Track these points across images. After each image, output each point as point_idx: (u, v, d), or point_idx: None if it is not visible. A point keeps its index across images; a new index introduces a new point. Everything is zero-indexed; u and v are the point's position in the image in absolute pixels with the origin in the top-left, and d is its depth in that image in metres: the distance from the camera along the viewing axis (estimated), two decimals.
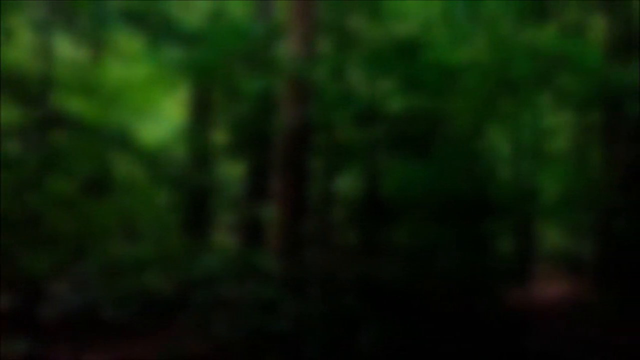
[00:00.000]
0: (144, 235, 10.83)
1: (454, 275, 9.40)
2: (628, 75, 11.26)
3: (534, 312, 11.52)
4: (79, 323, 8.79)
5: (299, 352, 7.31)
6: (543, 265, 18.06)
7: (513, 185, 13.07)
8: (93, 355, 7.56)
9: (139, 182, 10.96)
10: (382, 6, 10.98)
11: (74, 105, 10.90)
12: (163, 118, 13.49)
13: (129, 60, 12.08)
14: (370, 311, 8.02)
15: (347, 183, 11.27)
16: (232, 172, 13.31)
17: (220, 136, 12.70)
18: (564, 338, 9.07)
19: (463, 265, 9.53)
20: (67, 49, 11.35)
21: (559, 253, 18.11)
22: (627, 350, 8.24)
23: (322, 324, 7.65)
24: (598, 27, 13.79)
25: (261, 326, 7.39)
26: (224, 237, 14.08)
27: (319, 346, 7.35)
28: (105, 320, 8.86)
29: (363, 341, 7.48)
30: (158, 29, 10.11)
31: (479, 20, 9.81)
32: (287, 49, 9.25)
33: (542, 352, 8.12)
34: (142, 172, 10.96)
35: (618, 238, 12.23)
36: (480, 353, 7.86)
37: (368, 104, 9.93)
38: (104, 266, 9.43)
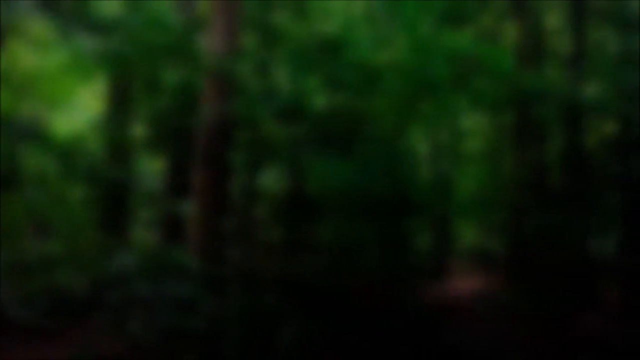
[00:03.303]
0: (55, 231, 10.40)
1: (374, 271, 9.60)
2: (537, 79, 11.88)
3: (450, 306, 11.95)
4: None
5: (217, 351, 7.25)
6: (459, 261, 18.75)
7: (431, 184, 13.48)
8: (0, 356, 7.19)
9: (51, 176, 10.52)
10: (306, 4, 11.04)
11: None
12: (78, 109, 12.97)
13: (40, 48, 11.52)
14: (291, 309, 8.05)
15: (270, 179, 11.26)
16: (151, 166, 12.98)
17: (139, 130, 12.35)
18: (475, 333, 9.45)
19: (383, 262, 9.75)
20: None
21: (474, 249, 18.86)
22: (533, 345, 8.70)
23: (241, 322, 7.61)
24: (511, 32, 14.46)
25: (178, 325, 7.27)
26: (143, 233, 13.73)
27: (237, 345, 7.31)
28: (13, 320, 8.46)
29: (283, 339, 7.50)
30: (71, 16, 9.70)
31: (399, 21, 10.03)
32: (208, 43, 9.12)
33: (455, 346, 8.43)
34: (55, 166, 10.52)
35: (527, 235, 12.87)
36: (398, 347, 8.07)
37: (291, 100, 9.95)
38: (12, 264, 9.02)
